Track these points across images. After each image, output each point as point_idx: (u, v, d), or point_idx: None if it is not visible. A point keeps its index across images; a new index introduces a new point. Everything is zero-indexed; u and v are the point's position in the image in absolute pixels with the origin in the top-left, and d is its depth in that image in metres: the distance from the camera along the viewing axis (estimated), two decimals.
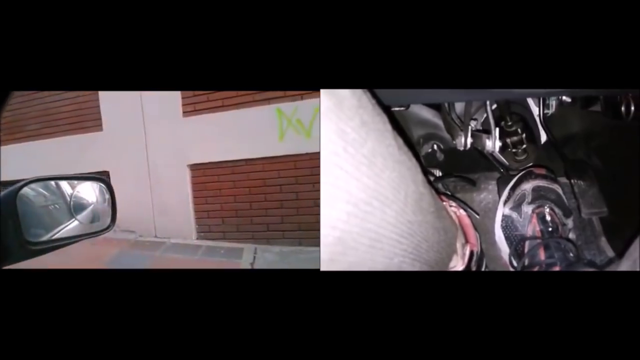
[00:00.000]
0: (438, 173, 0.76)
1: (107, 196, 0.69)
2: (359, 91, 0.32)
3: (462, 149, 0.68)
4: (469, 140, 0.67)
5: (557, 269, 0.66)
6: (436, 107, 0.74)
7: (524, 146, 0.74)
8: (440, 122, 0.75)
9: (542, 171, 0.72)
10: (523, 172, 0.72)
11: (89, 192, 0.68)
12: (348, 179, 0.29)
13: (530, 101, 0.72)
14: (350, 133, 0.29)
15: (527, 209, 0.70)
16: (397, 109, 0.65)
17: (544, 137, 0.74)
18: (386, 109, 0.36)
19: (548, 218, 0.69)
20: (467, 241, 0.64)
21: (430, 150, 0.77)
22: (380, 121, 0.34)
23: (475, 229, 0.67)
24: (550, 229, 0.69)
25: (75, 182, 0.68)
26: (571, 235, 0.72)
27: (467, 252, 0.63)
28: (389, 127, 0.35)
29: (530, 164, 0.74)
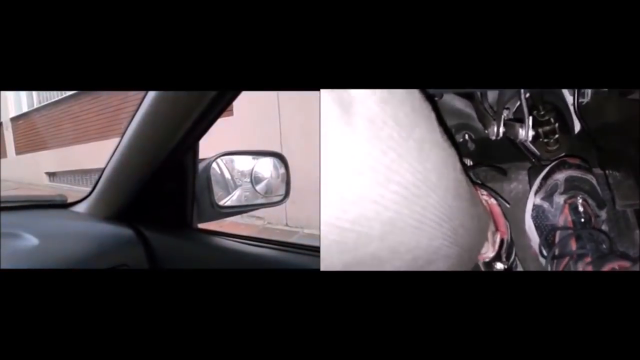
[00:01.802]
0: (469, 162, 0.76)
1: (282, 171, 0.76)
2: None
3: (494, 138, 0.67)
4: (502, 129, 0.67)
5: (588, 259, 0.66)
6: (468, 96, 0.74)
7: (557, 136, 0.73)
8: (472, 112, 0.74)
9: (576, 161, 0.71)
10: (556, 161, 0.71)
11: (266, 166, 0.76)
12: (401, 162, 0.30)
13: (564, 89, 0.71)
14: (403, 118, 0.31)
15: (559, 199, 0.70)
16: None
17: (577, 127, 0.73)
18: (430, 97, 0.37)
19: (580, 209, 0.69)
20: (497, 229, 0.65)
21: (461, 140, 0.77)
22: (426, 108, 0.35)
23: (506, 217, 0.67)
24: (582, 220, 0.68)
25: (256, 156, 0.76)
26: (604, 227, 0.71)
27: (498, 240, 0.64)
28: (433, 114, 0.36)
29: (563, 154, 0.73)
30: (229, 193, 0.72)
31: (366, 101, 0.29)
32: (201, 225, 0.71)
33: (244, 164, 0.74)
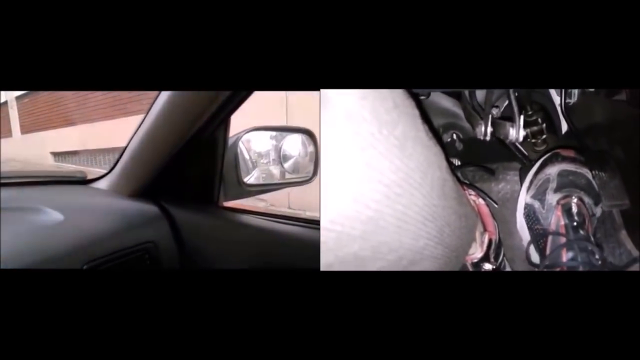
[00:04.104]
0: (457, 162, 0.76)
1: (311, 149, 0.73)
2: None
3: (482, 138, 0.67)
4: (489, 129, 0.67)
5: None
6: (456, 95, 0.73)
7: (544, 136, 0.73)
8: (460, 111, 0.74)
9: (571, 153, 0.67)
10: (549, 154, 0.68)
11: (294, 143, 0.72)
12: (382, 160, 0.30)
13: (551, 90, 0.71)
14: (384, 115, 0.30)
15: (552, 198, 0.66)
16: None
17: (564, 127, 0.73)
18: (414, 95, 0.37)
19: (574, 209, 0.64)
20: (485, 229, 0.65)
21: (449, 139, 0.77)
22: (410, 105, 0.34)
23: (494, 218, 0.67)
24: (575, 224, 0.64)
25: (285, 133, 0.73)
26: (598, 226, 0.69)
27: (486, 240, 0.63)
28: (417, 111, 0.36)
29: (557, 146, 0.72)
30: (255, 170, 0.70)
31: (345, 97, 0.28)
32: (226, 204, 0.69)
33: (271, 140, 0.71)
